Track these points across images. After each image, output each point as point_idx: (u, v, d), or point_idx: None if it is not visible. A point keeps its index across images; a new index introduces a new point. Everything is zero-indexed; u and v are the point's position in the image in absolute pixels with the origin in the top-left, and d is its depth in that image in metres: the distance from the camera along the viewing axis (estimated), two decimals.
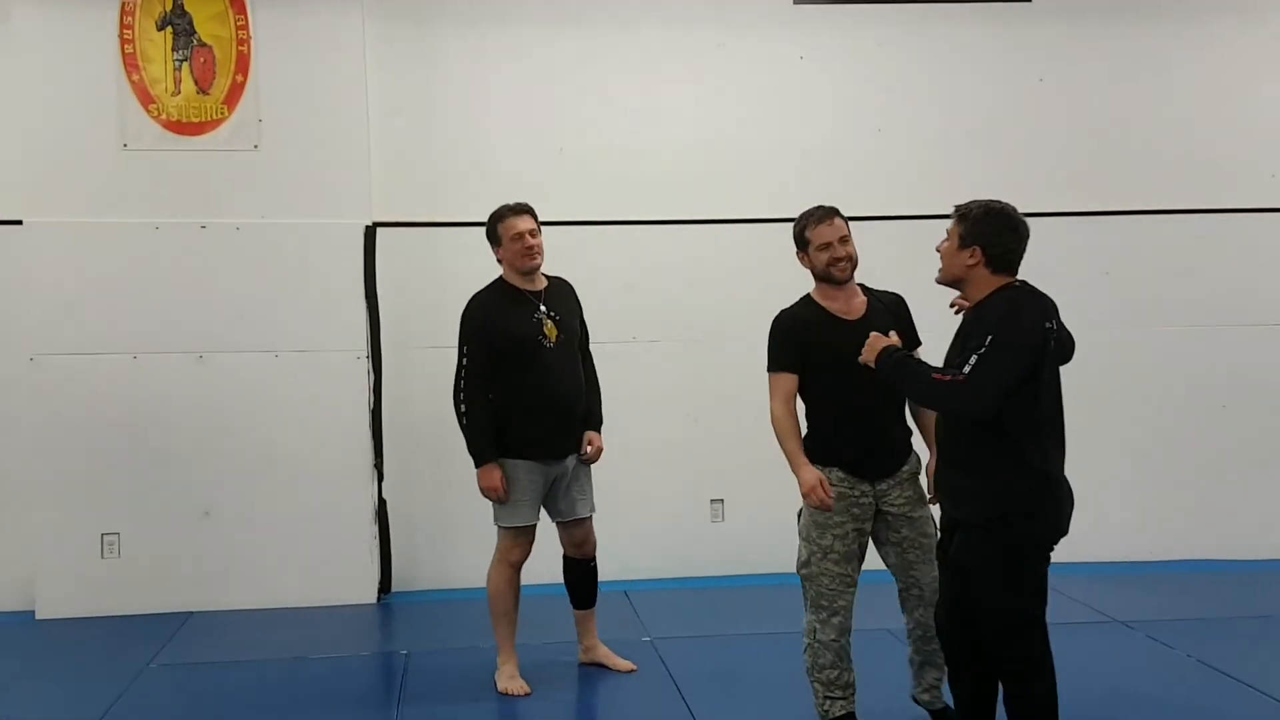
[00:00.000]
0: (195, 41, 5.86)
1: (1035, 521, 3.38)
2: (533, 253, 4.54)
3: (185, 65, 5.87)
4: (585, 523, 4.68)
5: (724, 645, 5.15)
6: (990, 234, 3.38)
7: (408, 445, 6.11)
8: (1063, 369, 6.31)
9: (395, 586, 6.04)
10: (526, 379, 4.43)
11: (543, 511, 4.62)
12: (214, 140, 5.84)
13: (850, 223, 6.27)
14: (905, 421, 3.98)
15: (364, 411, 5.94)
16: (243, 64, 5.87)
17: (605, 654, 4.82)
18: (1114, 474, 6.43)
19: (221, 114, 5.87)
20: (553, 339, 4.49)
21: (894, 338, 3.64)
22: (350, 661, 5.05)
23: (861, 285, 4.05)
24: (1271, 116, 6.55)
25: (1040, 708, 3.39)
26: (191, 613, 5.73)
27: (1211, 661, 4.71)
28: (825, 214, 4.01)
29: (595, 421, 4.70)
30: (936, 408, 3.53)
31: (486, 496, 4.50)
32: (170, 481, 5.81)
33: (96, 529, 5.77)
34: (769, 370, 3.96)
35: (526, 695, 4.49)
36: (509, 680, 4.55)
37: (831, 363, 3.84)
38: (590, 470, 4.70)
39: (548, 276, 4.67)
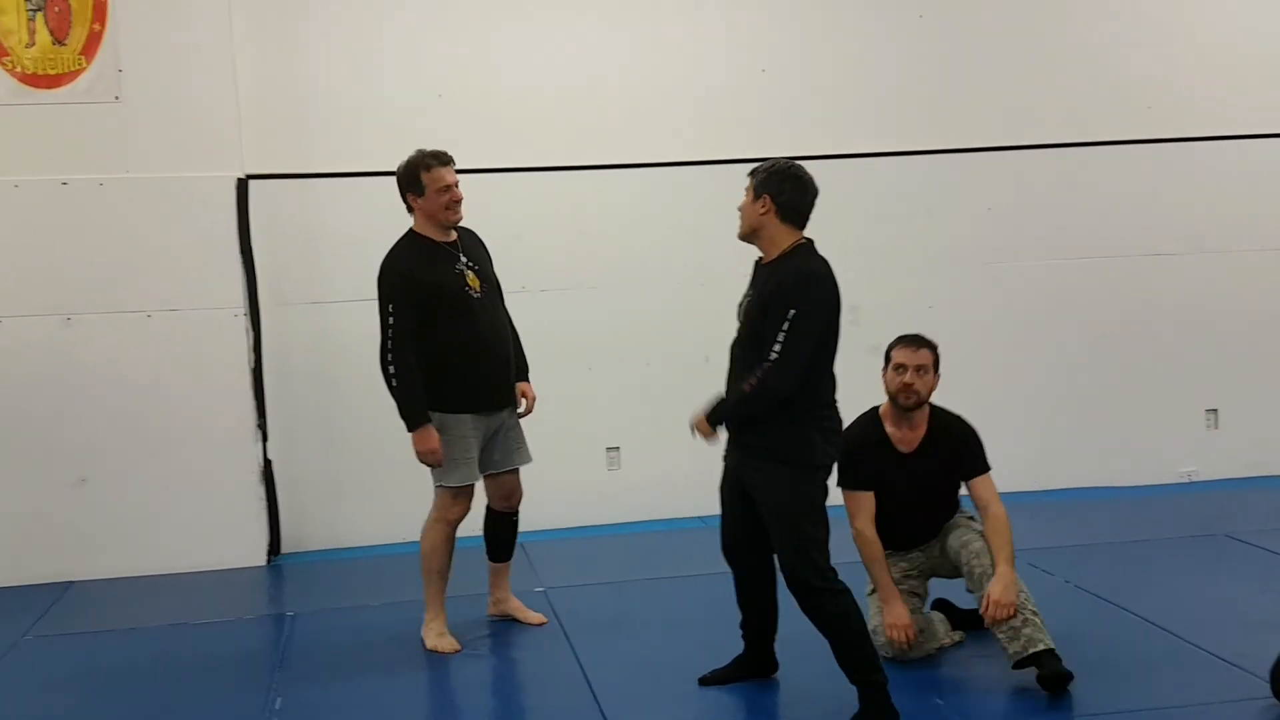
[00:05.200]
0: None
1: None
2: (458, 206, 4.37)
3: (39, 15, 5.60)
4: (516, 473, 4.58)
5: (616, 592, 5.14)
6: (776, 185, 3.63)
7: (292, 404, 5.97)
8: (948, 302, 6.43)
9: (285, 548, 5.93)
10: (458, 333, 4.27)
11: None
12: (72, 92, 5.58)
13: (740, 164, 6.32)
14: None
15: (244, 370, 5.78)
16: (100, 12, 5.62)
17: (516, 606, 4.74)
18: (1000, 406, 6.50)
19: (79, 65, 5.61)
20: (477, 290, 4.35)
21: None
22: (234, 626, 4.94)
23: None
24: (1147, 49, 6.62)
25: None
26: (71, 582, 5.57)
27: (1088, 586, 4.83)
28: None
29: (523, 371, 4.62)
30: (763, 405, 3.59)
31: (424, 461, 4.31)
32: (42, 449, 5.61)
33: None
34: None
35: (457, 652, 4.36)
36: (438, 638, 4.43)
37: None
38: (519, 420, 4.60)
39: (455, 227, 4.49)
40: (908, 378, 4.09)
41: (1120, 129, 6.59)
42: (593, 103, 6.21)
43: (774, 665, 4.02)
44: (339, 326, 5.99)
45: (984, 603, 3.88)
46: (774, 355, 3.50)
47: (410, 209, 4.41)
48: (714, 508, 6.23)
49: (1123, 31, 6.61)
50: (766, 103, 6.36)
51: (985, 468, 4.19)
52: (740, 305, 3.82)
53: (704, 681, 3.98)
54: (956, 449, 4.19)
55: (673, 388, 6.34)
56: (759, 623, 3.97)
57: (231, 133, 5.74)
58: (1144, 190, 6.66)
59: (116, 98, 5.62)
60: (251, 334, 5.80)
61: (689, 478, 6.29)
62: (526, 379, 4.63)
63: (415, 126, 5.99)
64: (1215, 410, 6.80)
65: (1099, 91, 6.58)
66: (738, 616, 4.07)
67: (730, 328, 6.23)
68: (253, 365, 5.80)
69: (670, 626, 4.65)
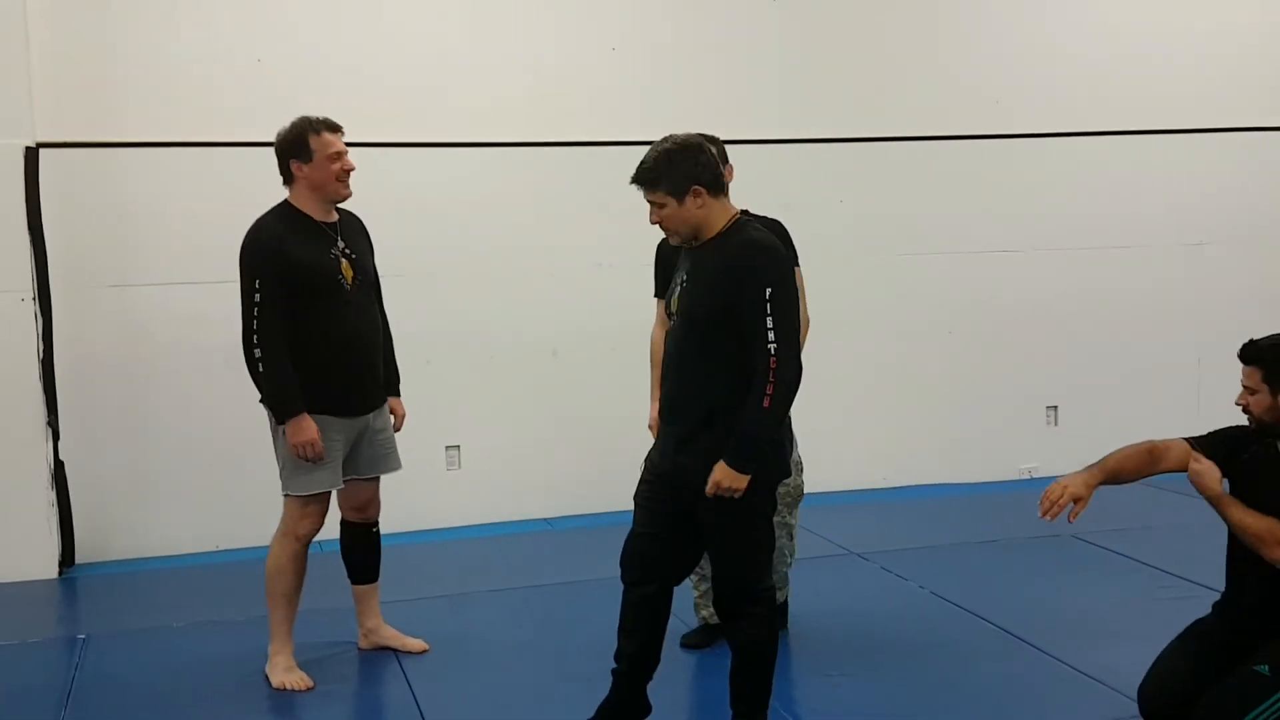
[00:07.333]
0: None
1: None
2: (349, 177, 3.91)
3: None
4: (376, 482, 4.13)
5: (455, 607, 4.76)
6: (694, 170, 3.20)
7: (91, 398, 5.41)
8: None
9: (79, 558, 5.36)
10: (325, 324, 3.82)
11: None
12: None
13: (587, 148, 6.00)
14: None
15: (32, 362, 5.17)
16: None
17: (392, 635, 4.22)
18: (839, 403, 6.36)
19: None
20: (349, 280, 3.89)
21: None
22: (15, 651, 4.37)
23: None
24: (995, 41, 6.58)
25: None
26: None
27: (943, 592, 4.71)
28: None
29: (392, 383, 4.17)
30: (788, 406, 3.20)
31: (303, 455, 3.79)
32: None
33: None
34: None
35: (310, 690, 3.89)
36: (285, 673, 3.93)
37: None
38: (390, 422, 4.15)
39: (338, 209, 4.02)
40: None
41: (966, 124, 6.54)
42: (431, 76, 5.80)
43: (647, 708, 3.46)
44: (147, 312, 5.47)
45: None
46: (771, 344, 3.09)
47: (289, 180, 3.92)
48: (560, 509, 6.03)
49: (970, 26, 6.56)
50: (616, 81, 6.06)
51: None
52: (673, 296, 3.32)
53: None
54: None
55: (517, 383, 6.04)
56: (641, 656, 3.39)
57: (20, 96, 5.12)
58: (987, 186, 6.63)
59: None
60: (41, 321, 5.20)
61: (533, 478, 6.02)
62: (397, 393, 4.19)
63: (232, 94, 5.54)
64: (1055, 407, 6.84)
65: (945, 85, 6.50)
66: (596, 638, 3.67)
67: (571, 319, 6.01)
68: (41, 356, 5.20)
69: (515, 650, 4.27)
